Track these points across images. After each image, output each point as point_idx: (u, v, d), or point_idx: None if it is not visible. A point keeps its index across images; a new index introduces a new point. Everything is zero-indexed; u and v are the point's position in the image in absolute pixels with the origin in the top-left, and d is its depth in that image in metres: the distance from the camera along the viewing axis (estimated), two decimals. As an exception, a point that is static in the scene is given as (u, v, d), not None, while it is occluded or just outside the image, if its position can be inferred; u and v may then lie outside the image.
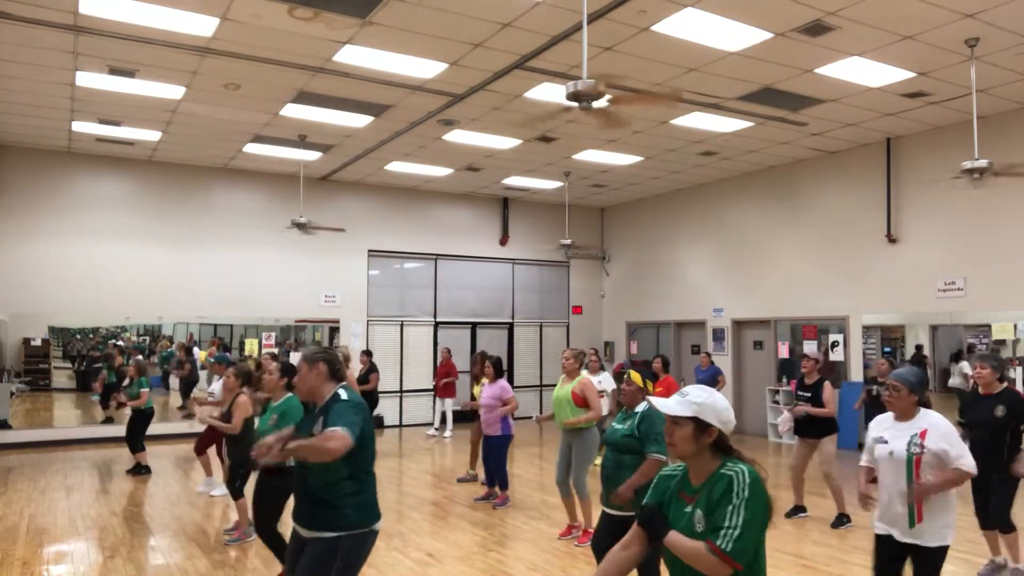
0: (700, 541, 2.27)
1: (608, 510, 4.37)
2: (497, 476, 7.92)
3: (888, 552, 3.79)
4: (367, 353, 13.00)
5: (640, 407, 4.44)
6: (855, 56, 7.96)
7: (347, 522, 3.32)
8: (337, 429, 3.21)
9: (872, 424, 4.01)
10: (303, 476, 3.43)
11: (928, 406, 3.86)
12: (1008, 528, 5.24)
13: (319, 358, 3.49)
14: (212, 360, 9.56)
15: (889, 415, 3.91)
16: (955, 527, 3.76)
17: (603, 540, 4.32)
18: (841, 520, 6.95)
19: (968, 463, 3.67)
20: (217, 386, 8.21)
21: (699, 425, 2.39)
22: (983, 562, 5.61)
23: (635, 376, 4.51)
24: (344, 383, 3.51)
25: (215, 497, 8.11)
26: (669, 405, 2.45)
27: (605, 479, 4.41)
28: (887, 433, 3.84)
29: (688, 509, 2.40)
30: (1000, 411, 5.12)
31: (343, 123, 10.41)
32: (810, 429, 7.23)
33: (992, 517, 5.27)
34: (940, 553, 3.69)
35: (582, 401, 6.46)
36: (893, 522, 3.76)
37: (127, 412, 9.96)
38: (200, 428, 9.20)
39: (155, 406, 9.81)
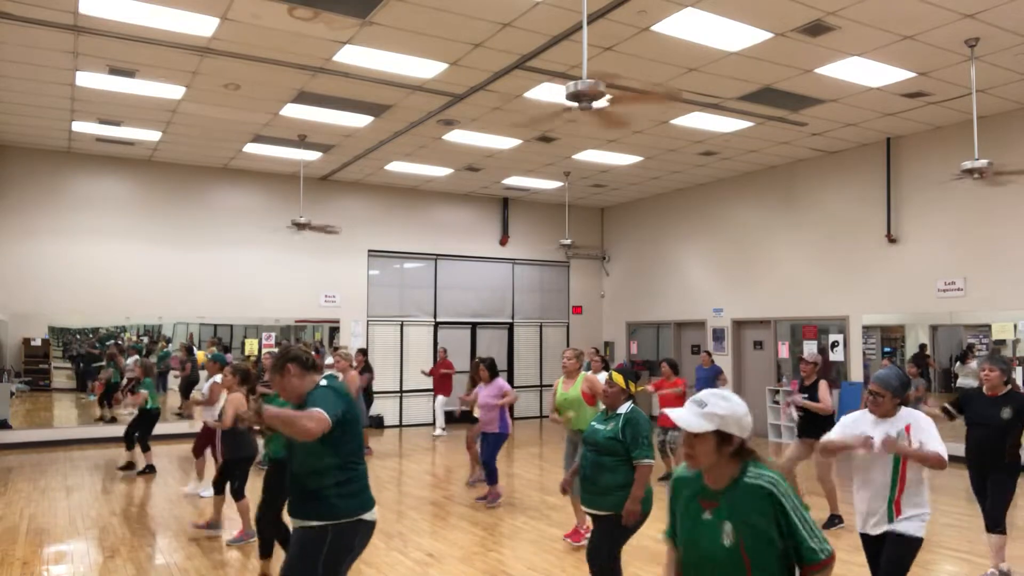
0: (808, 570, 2.24)
1: (590, 510, 4.34)
2: (486, 471, 7.94)
3: (878, 551, 3.82)
4: (362, 352, 13.00)
5: (622, 409, 4.38)
6: (855, 56, 7.96)
7: (334, 511, 3.28)
8: (316, 410, 3.18)
9: (848, 419, 3.99)
10: (290, 466, 3.41)
11: (908, 405, 3.90)
12: (999, 529, 5.25)
13: (282, 362, 3.44)
14: (208, 358, 9.50)
15: (866, 412, 3.93)
16: (927, 522, 3.80)
17: (595, 542, 4.32)
18: (833, 521, 6.95)
19: (944, 454, 3.68)
20: (208, 385, 8.13)
21: (721, 437, 2.27)
22: (983, 562, 5.61)
23: (617, 378, 4.45)
24: (327, 374, 3.49)
25: (204, 498, 8.05)
26: (690, 422, 2.28)
27: (583, 479, 4.35)
28: (871, 430, 3.82)
29: (708, 516, 2.30)
30: (1007, 413, 5.15)
31: (343, 123, 10.41)
32: (809, 429, 7.22)
33: (987, 515, 5.29)
34: (915, 543, 3.72)
35: (592, 399, 6.51)
36: (876, 519, 3.79)
37: (125, 411, 9.95)
38: (199, 428, 9.18)
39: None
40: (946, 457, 3.67)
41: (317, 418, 3.14)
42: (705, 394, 2.33)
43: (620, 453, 4.24)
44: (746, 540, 2.22)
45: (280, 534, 5.34)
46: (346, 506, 3.32)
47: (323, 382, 3.40)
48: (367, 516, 3.39)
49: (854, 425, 3.91)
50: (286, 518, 5.23)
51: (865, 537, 3.87)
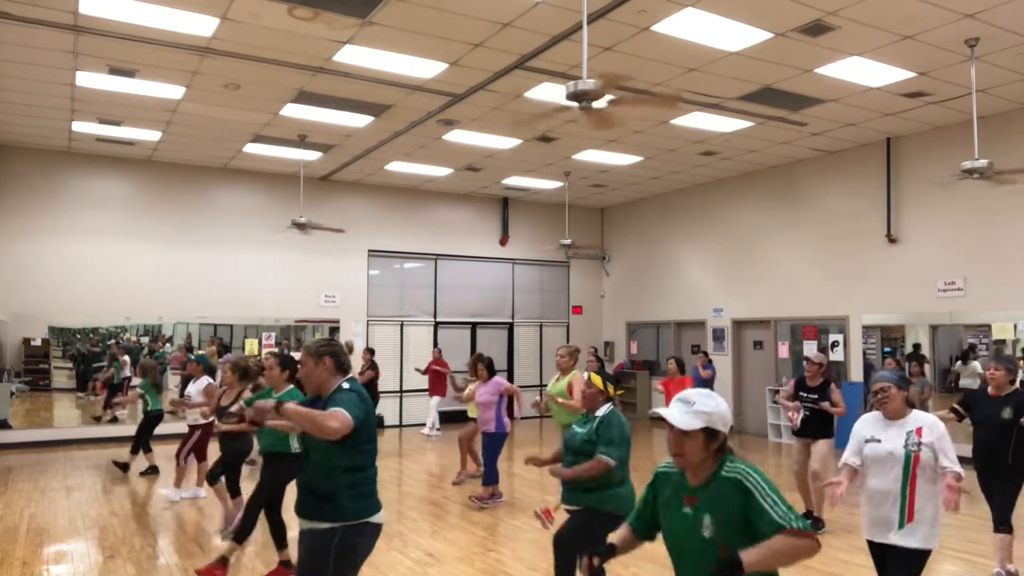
0: (774, 538, 2.18)
1: (569, 506, 4.35)
2: (486, 471, 7.95)
3: (886, 559, 3.75)
4: (369, 351, 13.00)
5: (600, 411, 4.33)
6: (855, 56, 7.96)
7: (343, 513, 3.27)
8: (339, 410, 3.16)
9: (859, 423, 3.95)
10: (303, 466, 3.41)
11: (913, 406, 3.87)
12: (1006, 528, 5.23)
13: (324, 352, 3.39)
14: (191, 358, 9.34)
15: (876, 415, 3.89)
16: (938, 534, 3.73)
17: (566, 532, 4.30)
18: (816, 525, 6.85)
19: (958, 467, 3.66)
20: (194, 388, 8.01)
21: (708, 434, 2.35)
22: (983, 562, 5.61)
23: (595, 379, 4.38)
24: (350, 376, 3.46)
25: (183, 500, 7.97)
26: (682, 420, 2.35)
27: (564, 481, 4.34)
28: (880, 433, 3.79)
29: (687, 510, 2.38)
30: (1007, 413, 5.11)
31: (343, 123, 10.41)
32: (810, 430, 7.20)
33: (994, 516, 5.26)
34: (922, 556, 3.66)
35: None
36: (884, 525, 3.71)
37: (123, 412, 9.93)
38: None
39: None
40: (961, 471, 3.63)
41: (340, 419, 3.12)
42: (689, 393, 2.42)
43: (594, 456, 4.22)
44: (724, 531, 2.28)
45: (279, 529, 5.43)
46: (355, 508, 3.31)
47: (346, 385, 3.36)
48: (374, 519, 3.38)
49: (865, 429, 3.88)
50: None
51: (876, 547, 3.78)
